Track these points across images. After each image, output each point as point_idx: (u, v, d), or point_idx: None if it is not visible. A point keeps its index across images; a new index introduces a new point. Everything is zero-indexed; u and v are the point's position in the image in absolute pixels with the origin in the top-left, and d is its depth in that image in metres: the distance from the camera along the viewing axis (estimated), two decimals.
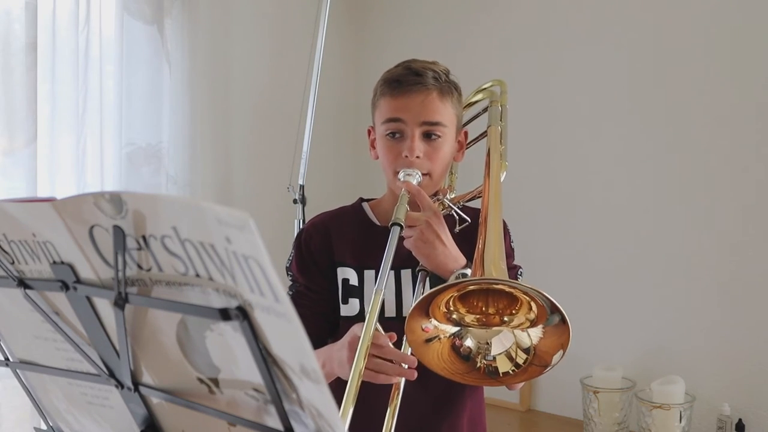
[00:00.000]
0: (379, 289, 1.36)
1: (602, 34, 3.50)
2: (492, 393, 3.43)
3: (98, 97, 3.07)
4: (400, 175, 1.62)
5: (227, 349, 0.80)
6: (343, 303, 1.69)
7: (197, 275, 0.77)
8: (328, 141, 4.05)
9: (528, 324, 1.36)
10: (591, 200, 3.53)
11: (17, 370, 1.02)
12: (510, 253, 1.76)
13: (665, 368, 3.23)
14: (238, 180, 3.78)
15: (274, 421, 0.81)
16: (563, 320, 1.28)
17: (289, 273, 1.78)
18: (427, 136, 1.64)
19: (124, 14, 3.16)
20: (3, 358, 1.01)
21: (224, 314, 0.74)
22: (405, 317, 1.35)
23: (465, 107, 1.92)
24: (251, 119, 3.83)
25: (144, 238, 0.77)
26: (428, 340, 1.36)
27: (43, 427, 1.05)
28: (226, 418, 0.85)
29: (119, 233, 0.77)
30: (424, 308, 1.34)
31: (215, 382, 0.84)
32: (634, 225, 3.41)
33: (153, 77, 3.30)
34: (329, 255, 1.73)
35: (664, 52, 3.32)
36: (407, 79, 1.64)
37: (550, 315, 1.31)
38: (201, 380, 0.85)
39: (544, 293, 1.27)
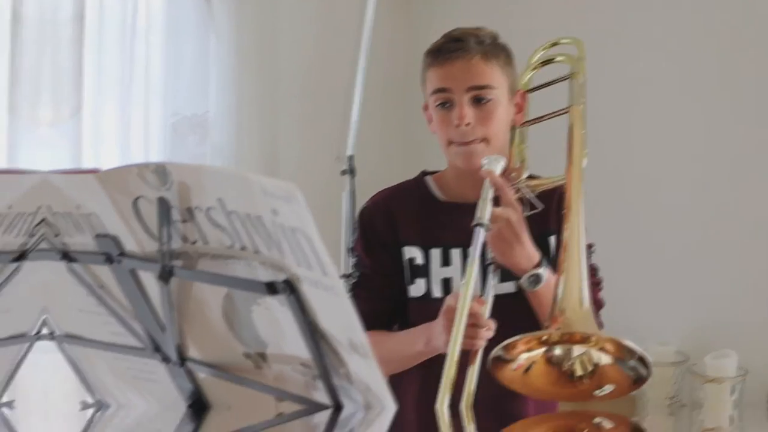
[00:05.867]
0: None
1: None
2: None
3: (144, 68, 3.07)
4: (483, 162, 1.55)
5: (274, 324, 0.80)
6: (409, 284, 1.66)
7: (243, 248, 0.76)
8: (378, 109, 4.00)
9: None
10: (647, 174, 3.46)
11: (63, 344, 1.02)
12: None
13: (718, 342, 3.19)
14: (284, 150, 3.76)
15: (321, 396, 0.81)
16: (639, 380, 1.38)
17: (353, 253, 1.74)
18: (477, 100, 1.60)
19: None
20: (49, 332, 1.00)
21: (271, 288, 0.73)
22: None
23: (540, 65, 1.79)
24: (298, 89, 3.80)
25: (189, 210, 0.77)
26: (527, 370, 1.33)
27: (90, 400, 1.05)
28: (273, 393, 0.86)
29: (164, 205, 0.77)
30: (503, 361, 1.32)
31: (262, 356, 0.84)
32: (690, 199, 3.34)
33: (199, 47, 3.29)
34: (394, 234, 1.69)
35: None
36: (448, 47, 1.61)
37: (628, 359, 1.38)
38: (247, 355, 0.85)
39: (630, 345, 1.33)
